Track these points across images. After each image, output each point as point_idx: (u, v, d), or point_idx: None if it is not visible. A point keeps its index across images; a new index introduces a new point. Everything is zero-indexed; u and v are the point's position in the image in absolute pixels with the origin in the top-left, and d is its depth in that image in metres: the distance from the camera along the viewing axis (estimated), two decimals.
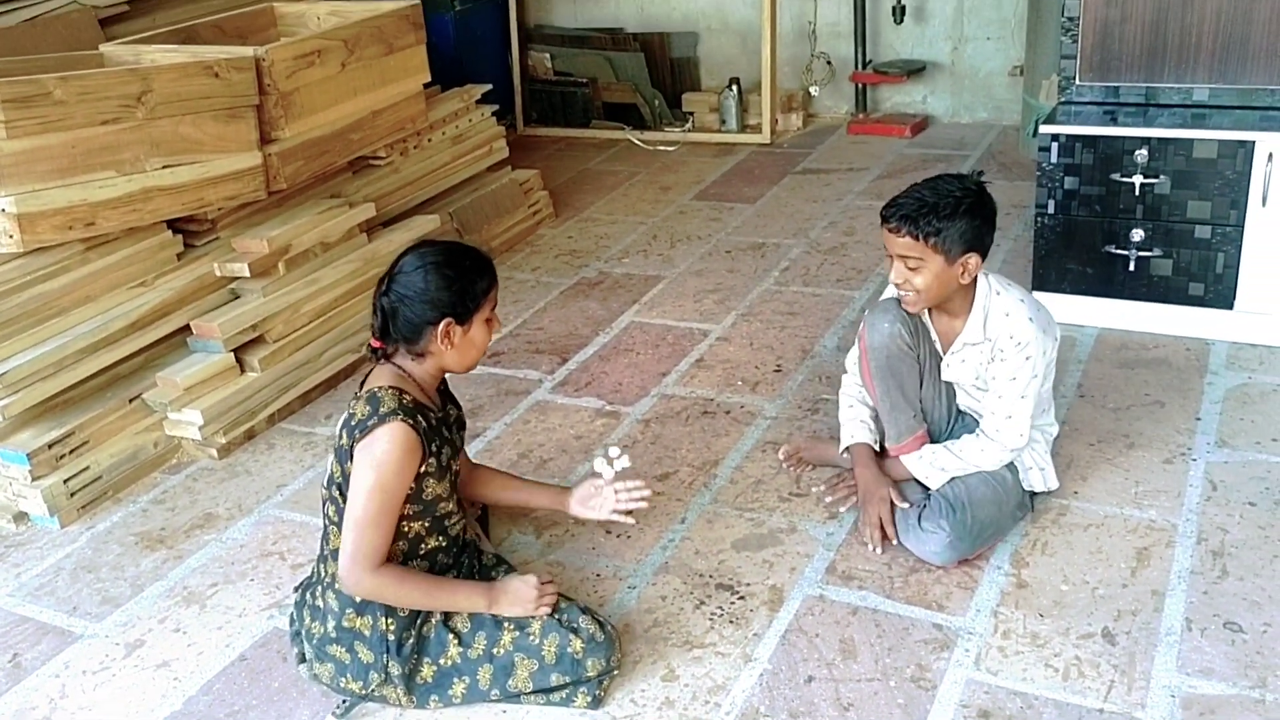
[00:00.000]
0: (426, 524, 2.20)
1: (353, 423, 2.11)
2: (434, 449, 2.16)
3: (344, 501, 2.13)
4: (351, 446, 2.10)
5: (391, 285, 2.16)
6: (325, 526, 2.23)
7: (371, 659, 2.14)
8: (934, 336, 2.60)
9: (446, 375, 2.30)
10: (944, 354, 2.58)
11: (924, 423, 2.66)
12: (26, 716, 2.29)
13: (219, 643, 2.45)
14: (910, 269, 2.41)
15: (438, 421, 2.21)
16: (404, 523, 2.16)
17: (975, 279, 2.45)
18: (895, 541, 2.53)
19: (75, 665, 2.42)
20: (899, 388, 2.61)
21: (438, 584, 2.19)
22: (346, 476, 2.12)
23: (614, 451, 2.46)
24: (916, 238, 2.36)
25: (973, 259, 2.40)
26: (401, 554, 2.19)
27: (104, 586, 2.68)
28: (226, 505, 2.98)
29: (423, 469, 2.13)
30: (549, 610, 2.17)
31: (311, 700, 2.25)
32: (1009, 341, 2.44)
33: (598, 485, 2.48)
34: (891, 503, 2.56)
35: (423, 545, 2.22)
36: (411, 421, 2.09)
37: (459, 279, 2.15)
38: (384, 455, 2.06)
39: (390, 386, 2.14)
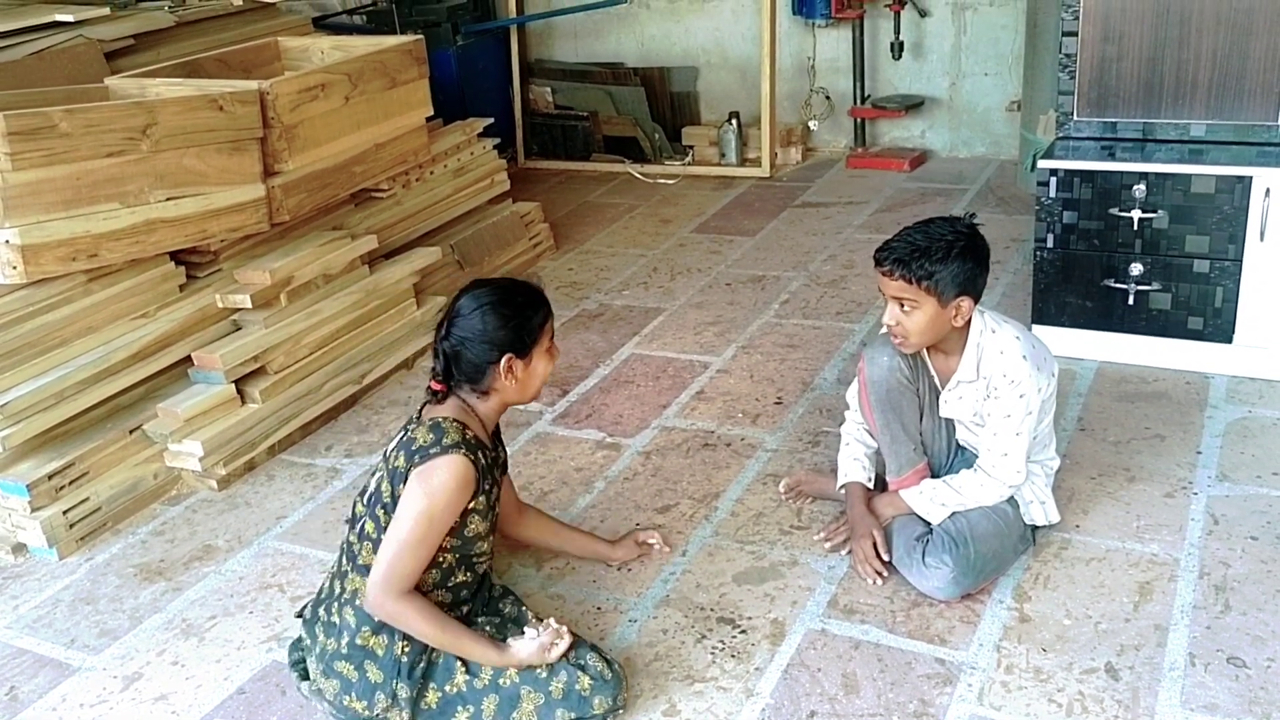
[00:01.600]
0: (458, 558, 2.22)
1: (413, 447, 2.13)
2: (485, 487, 2.18)
3: (388, 521, 2.14)
4: (408, 470, 2.11)
5: (451, 329, 2.19)
6: (352, 544, 2.23)
7: (381, 680, 2.14)
8: (932, 372, 2.61)
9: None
10: (942, 389, 2.59)
11: (924, 456, 2.66)
12: None
13: (217, 675, 2.44)
14: (904, 311, 2.43)
15: (490, 462, 2.23)
16: (441, 554, 2.18)
17: (970, 318, 2.47)
18: (886, 574, 2.53)
19: (73, 698, 2.41)
20: (899, 421, 2.62)
21: (457, 630, 2.18)
22: (398, 498, 2.13)
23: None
24: (910, 280, 2.38)
25: (965, 302, 2.42)
26: (431, 583, 2.20)
27: (102, 619, 2.67)
28: (226, 537, 2.97)
29: (471, 505, 2.15)
30: (563, 653, 2.16)
31: None
32: (1002, 380, 2.45)
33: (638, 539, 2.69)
34: (886, 532, 2.57)
35: (452, 578, 2.24)
36: (472, 457, 2.12)
37: (515, 315, 2.20)
38: (440, 485, 2.08)
39: (455, 420, 2.16)
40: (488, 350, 2.17)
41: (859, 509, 2.65)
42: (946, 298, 2.39)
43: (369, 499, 2.22)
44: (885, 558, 2.55)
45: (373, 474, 2.26)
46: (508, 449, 3.23)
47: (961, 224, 2.44)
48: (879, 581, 2.53)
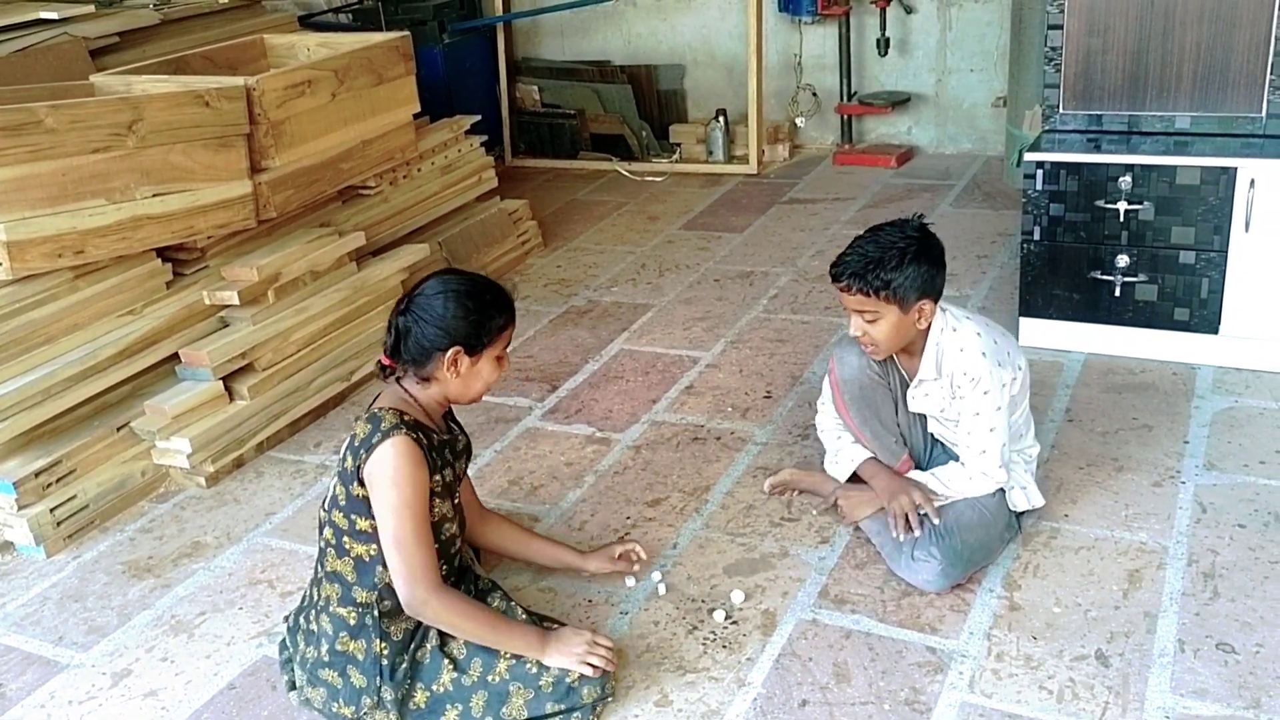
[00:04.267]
0: (435, 547, 2.20)
1: (356, 443, 2.11)
2: (438, 465, 2.16)
3: (346, 524, 2.13)
4: (358, 469, 2.10)
5: (410, 305, 2.17)
6: (322, 549, 2.22)
7: (364, 683, 2.12)
8: (900, 368, 2.62)
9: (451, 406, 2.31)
10: (909, 385, 2.60)
11: (905, 447, 2.67)
12: None
13: (207, 671, 2.43)
14: (868, 322, 2.43)
15: (440, 443, 2.21)
16: None
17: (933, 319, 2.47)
18: (918, 534, 2.50)
19: (61, 695, 2.39)
20: (876, 417, 2.63)
21: (499, 619, 2.18)
22: (352, 499, 2.12)
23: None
24: (867, 293, 2.38)
25: (927, 304, 2.42)
26: None
27: (90, 616, 2.66)
28: (215, 534, 2.95)
29: (430, 485, 2.13)
30: (593, 671, 2.14)
31: None
32: (964, 378, 2.46)
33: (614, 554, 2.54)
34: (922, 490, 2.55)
35: None
36: (414, 436, 2.10)
37: (477, 311, 2.16)
38: (395, 470, 2.06)
39: (391, 408, 2.14)
40: (438, 335, 2.14)
41: (887, 474, 2.62)
42: (908, 303, 2.40)
43: (327, 502, 2.20)
44: (934, 506, 2.52)
45: (331, 482, 2.24)
46: (498, 445, 3.25)
47: (910, 227, 2.44)
48: (902, 538, 2.49)
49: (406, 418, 2.13)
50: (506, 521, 2.60)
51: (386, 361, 2.22)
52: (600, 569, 2.55)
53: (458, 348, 2.15)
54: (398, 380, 2.23)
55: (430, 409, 2.23)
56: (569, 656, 2.14)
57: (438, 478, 2.16)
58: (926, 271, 2.39)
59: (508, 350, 2.27)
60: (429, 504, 2.14)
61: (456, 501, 2.28)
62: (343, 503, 2.14)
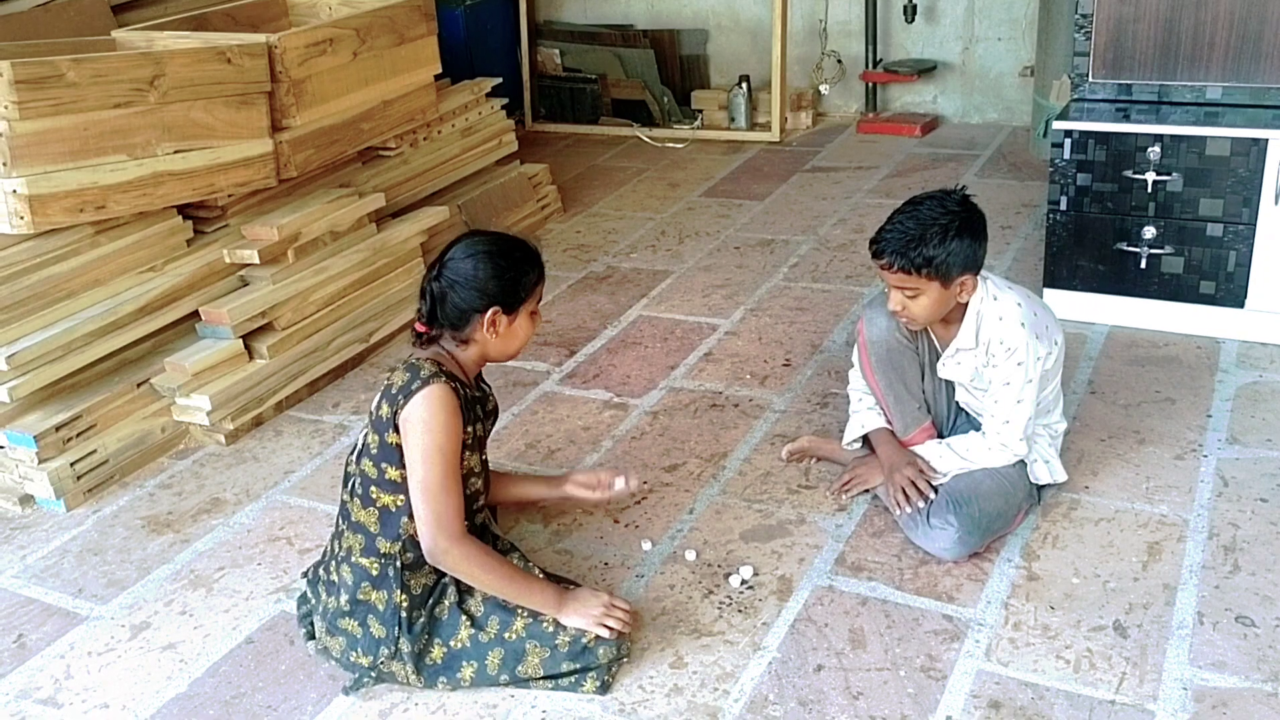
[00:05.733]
0: (463, 498, 2.20)
1: (393, 390, 2.11)
2: (470, 418, 2.17)
3: (375, 474, 2.14)
4: (394, 415, 2.10)
5: (442, 271, 2.17)
6: (344, 501, 2.23)
7: (383, 633, 2.14)
8: (932, 335, 2.59)
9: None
10: (941, 353, 2.57)
11: (929, 414, 2.65)
12: (31, 696, 2.28)
13: (226, 625, 2.44)
14: (909, 298, 2.40)
15: (472, 399, 2.22)
16: None
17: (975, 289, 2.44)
18: (925, 505, 2.49)
19: (80, 646, 2.42)
20: (901, 381, 2.61)
21: (519, 574, 2.19)
22: (385, 446, 2.12)
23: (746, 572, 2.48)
24: (909, 271, 2.35)
25: (968, 278, 2.39)
26: None
27: (110, 569, 2.67)
28: (234, 491, 2.97)
29: (463, 437, 2.14)
30: (609, 634, 2.15)
31: (319, 683, 2.25)
32: (999, 347, 2.43)
33: (600, 475, 2.50)
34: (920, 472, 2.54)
35: None
36: (453, 384, 2.11)
37: (510, 269, 2.17)
38: (432, 416, 2.06)
39: (429, 358, 2.15)
40: (476, 297, 2.15)
41: (891, 446, 2.62)
42: (950, 279, 2.37)
43: (357, 453, 2.21)
44: (933, 482, 2.52)
45: (361, 433, 2.25)
46: (516, 409, 3.25)
47: (952, 200, 2.39)
48: (923, 505, 2.49)
49: (444, 368, 2.14)
50: (495, 473, 2.57)
51: (421, 328, 2.22)
52: (577, 493, 2.53)
53: (495, 308, 2.16)
54: (433, 343, 2.23)
55: (468, 368, 2.24)
56: (585, 617, 2.15)
57: (470, 429, 2.16)
58: (969, 246, 2.35)
59: (539, 305, 2.27)
60: (460, 455, 2.14)
61: (484, 457, 2.29)
62: (374, 451, 2.14)
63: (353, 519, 2.19)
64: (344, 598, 2.17)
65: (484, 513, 2.35)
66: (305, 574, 2.38)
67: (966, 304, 2.45)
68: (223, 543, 2.74)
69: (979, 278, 2.44)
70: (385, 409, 2.12)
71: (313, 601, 2.28)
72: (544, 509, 2.75)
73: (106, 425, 3.04)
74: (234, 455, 3.14)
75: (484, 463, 2.30)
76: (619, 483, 2.50)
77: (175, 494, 2.98)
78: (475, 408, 2.23)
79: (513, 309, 2.19)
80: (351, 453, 2.25)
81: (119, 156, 3.08)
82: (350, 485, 2.22)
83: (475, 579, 2.13)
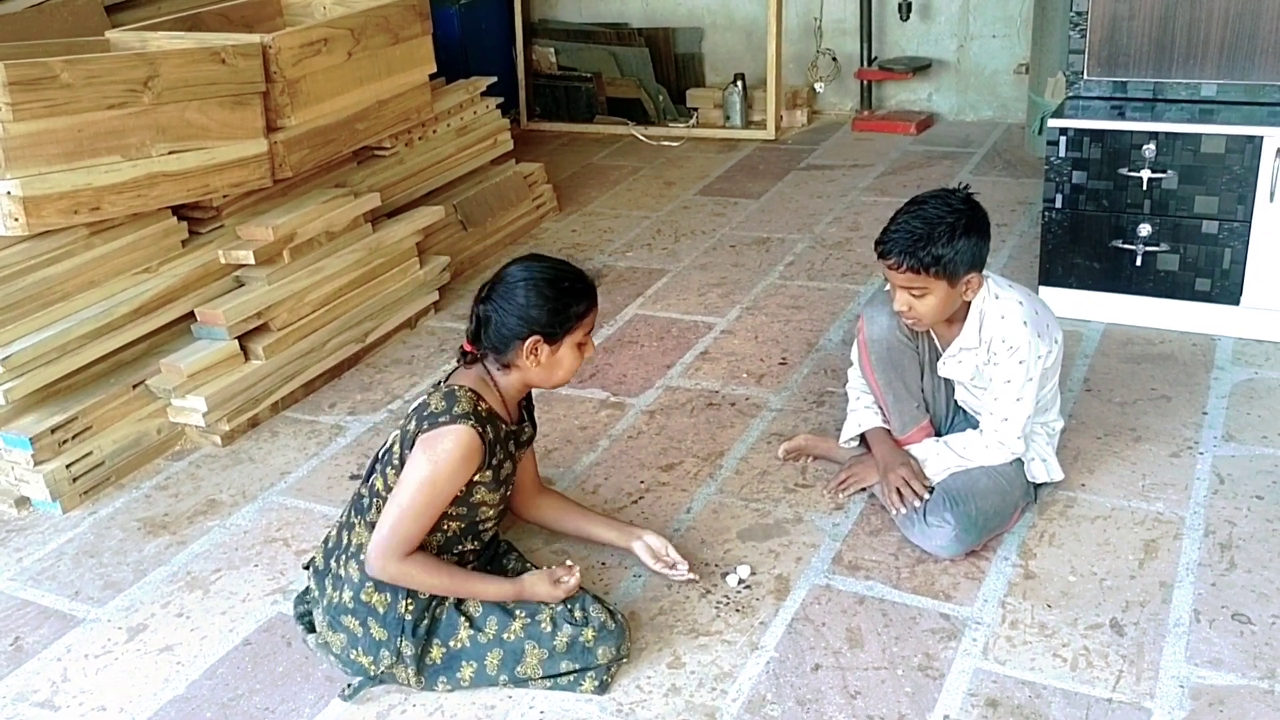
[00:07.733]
0: (463, 526, 2.22)
1: (425, 412, 2.11)
2: (494, 461, 2.15)
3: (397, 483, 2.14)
4: (417, 434, 2.10)
5: (491, 293, 2.17)
6: (362, 496, 2.24)
7: (384, 637, 2.14)
8: (933, 334, 2.59)
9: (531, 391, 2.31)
10: (942, 351, 2.58)
11: (927, 413, 2.66)
12: (28, 699, 2.28)
13: (222, 627, 2.44)
14: (915, 297, 2.40)
15: (506, 434, 2.21)
16: (445, 521, 2.17)
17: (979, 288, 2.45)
18: (919, 504, 2.49)
19: (77, 649, 2.41)
20: (900, 379, 2.61)
21: (465, 576, 2.20)
22: (404, 461, 2.13)
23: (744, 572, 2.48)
24: (918, 270, 2.35)
25: (974, 276, 2.39)
26: (436, 547, 2.20)
27: (106, 571, 2.67)
28: (230, 492, 2.96)
29: (476, 476, 2.13)
30: (572, 589, 2.17)
31: (316, 684, 2.24)
32: (1001, 345, 2.43)
33: (667, 554, 2.41)
34: (914, 471, 2.54)
35: (458, 545, 2.24)
36: (480, 430, 2.09)
37: (555, 299, 2.14)
38: (444, 454, 2.06)
39: (470, 389, 2.14)
40: (517, 324, 2.13)
41: (889, 445, 2.63)
42: (957, 278, 2.37)
43: (383, 455, 2.22)
44: (927, 483, 2.52)
45: (392, 436, 2.24)
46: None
47: (956, 198, 2.39)
48: (918, 504, 2.49)
49: (481, 406, 2.12)
50: (564, 500, 2.56)
51: (468, 348, 2.21)
52: (643, 553, 2.43)
53: (537, 336, 2.14)
54: (479, 362, 2.22)
55: (509, 395, 2.22)
56: (544, 593, 2.16)
57: (489, 472, 2.15)
58: (975, 244, 2.36)
59: (589, 336, 2.24)
60: (471, 491, 2.15)
61: (506, 493, 2.27)
62: (396, 462, 2.15)
63: (368, 517, 2.20)
64: (348, 594, 2.17)
65: (495, 531, 2.36)
66: (308, 565, 2.37)
67: (969, 303, 2.46)
68: (219, 544, 2.74)
69: (982, 276, 2.45)
70: (413, 425, 2.13)
71: (315, 594, 2.27)
72: None
73: (102, 427, 3.04)
74: (230, 456, 3.14)
75: (504, 498, 2.27)
76: (682, 569, 2.42)
77: (171, 496, 2.97)
78: (508, 444, 2.21)
79: (555, 338, 2.16)
80: (379, 450, 2.26)
81: (113, 158, 3.07)
82: (371, 484, 2.22)
83: (421, 586, 2.14)
